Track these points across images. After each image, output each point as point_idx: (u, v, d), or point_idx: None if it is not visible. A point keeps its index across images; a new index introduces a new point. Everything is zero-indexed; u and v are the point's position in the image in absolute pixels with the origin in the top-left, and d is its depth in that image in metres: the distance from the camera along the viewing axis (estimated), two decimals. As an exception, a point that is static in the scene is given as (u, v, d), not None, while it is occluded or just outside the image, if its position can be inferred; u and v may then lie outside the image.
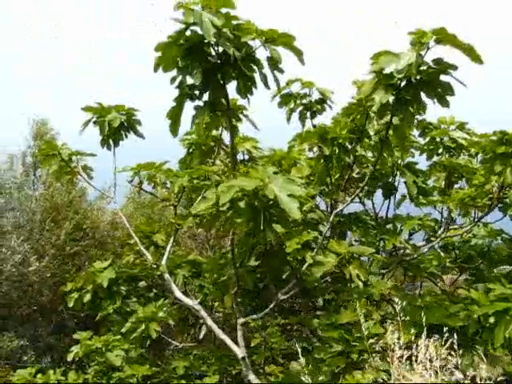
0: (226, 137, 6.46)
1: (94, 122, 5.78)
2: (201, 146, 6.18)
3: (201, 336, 6.93)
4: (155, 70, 4.38)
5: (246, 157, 6.64)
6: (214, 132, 5.94)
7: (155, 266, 5.75)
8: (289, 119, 6.74)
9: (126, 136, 5.85)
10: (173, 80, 4.45)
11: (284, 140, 6.97)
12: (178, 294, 5.55)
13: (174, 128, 4.51)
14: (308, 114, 6.76)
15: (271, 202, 3.83)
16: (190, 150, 6.29)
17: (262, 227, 3.76)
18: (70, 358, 5.78)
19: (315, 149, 6.12)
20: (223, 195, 3.72)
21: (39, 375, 5.78)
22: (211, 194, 3.95)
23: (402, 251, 6.29)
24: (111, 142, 5.85)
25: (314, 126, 6.71)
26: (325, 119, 6.53)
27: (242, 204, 3.80)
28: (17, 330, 7.79)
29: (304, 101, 6.71)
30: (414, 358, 3.37)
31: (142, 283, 6.41)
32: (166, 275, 5.61)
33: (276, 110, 6.74)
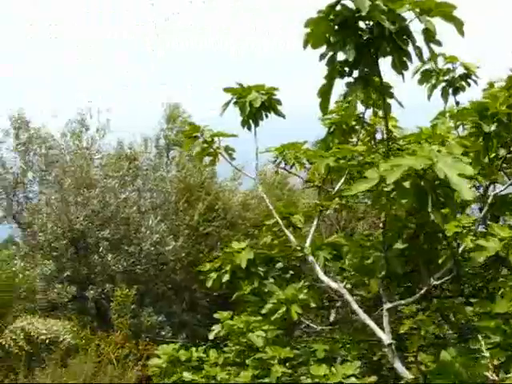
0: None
1: (235, 103, 5.80)
2: (342, 125, 6.02)
3: (331, 319, 6.85)
4: (304, 46, 4.24)
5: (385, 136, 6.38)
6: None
7: (299, 248, 5.70)
8: (430, 96, 6.43)
9: (267, 116, 5.81)
10: (322, 56, 4.31)
11: (419, 119, 6.66)
12: (323, 276, 5.46)
13: (324, 105, 4.35)
14: (450, 90, 6.43)
15: (437, 183, 3.61)
16: (331, 130, 6.14)
17: (429, 209, 3.55)
18: (211, 336, 5.91)
19: (460, 128, 5.78)
20: (389, 174, 3.54)
21: (182, 351, 5.96)
22: (372, 173, 3.78)
23: None
24: (251, 122, 5.84)
25: (457, 103, 6.36)
26: (468, 95, 6.19)
27: (407, 184, 3.61)
28: (155, 306, 8.11)
29: (446, 77, 6.37)
30: None
31: (279, 264, 6.39)
32: (311, 257, 5.55)
33: (412, 88, 6.44)
